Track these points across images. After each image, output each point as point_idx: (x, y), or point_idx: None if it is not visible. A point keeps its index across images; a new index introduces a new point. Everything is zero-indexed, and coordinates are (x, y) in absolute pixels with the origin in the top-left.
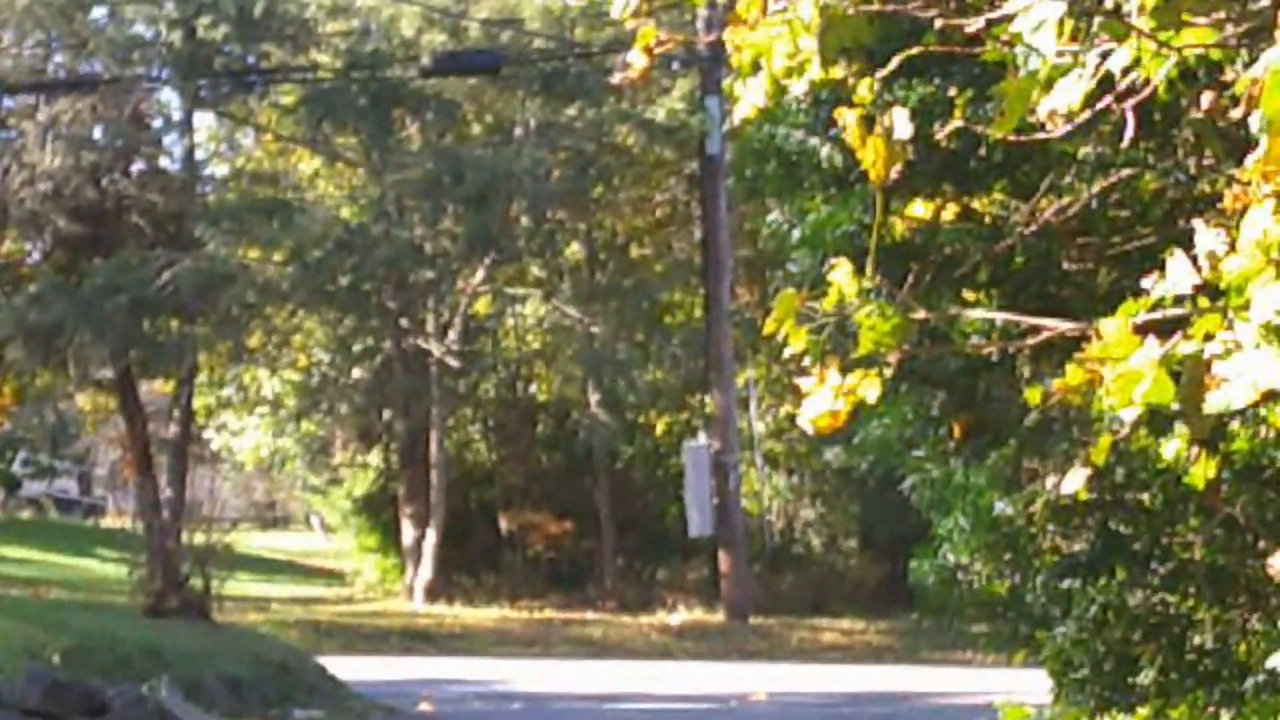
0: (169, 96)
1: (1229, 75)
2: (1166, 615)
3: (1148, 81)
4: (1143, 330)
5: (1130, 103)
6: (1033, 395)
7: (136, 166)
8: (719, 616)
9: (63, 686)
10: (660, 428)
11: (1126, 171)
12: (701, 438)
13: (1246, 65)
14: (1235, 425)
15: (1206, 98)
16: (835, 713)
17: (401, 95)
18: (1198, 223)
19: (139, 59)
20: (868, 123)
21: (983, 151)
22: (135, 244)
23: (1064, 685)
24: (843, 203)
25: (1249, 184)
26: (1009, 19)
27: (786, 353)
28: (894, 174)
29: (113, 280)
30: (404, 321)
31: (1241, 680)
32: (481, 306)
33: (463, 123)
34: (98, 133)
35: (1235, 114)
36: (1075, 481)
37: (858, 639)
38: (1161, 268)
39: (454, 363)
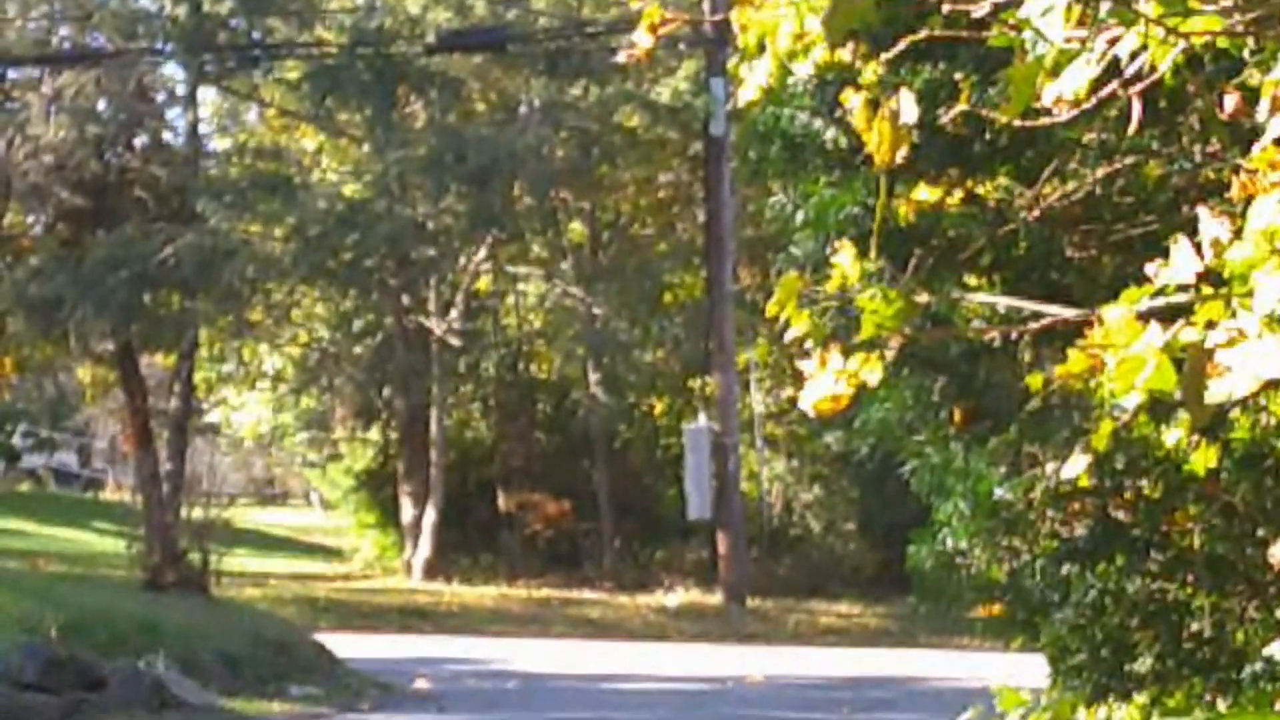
0: (173, 70)
1: (1247, 74)
2: (1164, 602)
3: (1154, 68)
4: (1145, 317)
5: (1136, 89)
6: (1034, 381)
7: (140, 140)
8: (716, 598)
9: (59, 661)
10: (660, 409)
11: (1131, 158)
12: (701, 419)
13: (1254, 53)
14: (1236, 413)
15: (1231, 100)
16: (832, 696)
17: (406, 72)
18: (1202, 210)
19: (143, 32)
20: (873, 105)
21: (988, 136)
22: (138, 218)
23: (1061, 671)
24: (847, 185)
25: (1256, 172)
26: (1016, 3)
27: (788, 335)
28: (899, 157)
29: (115, 254)
30: (405, 299)
31: (1239, 668)
32: (483, 285)
33: (467, 100)
34: (101, 106)
35: (1261, 116)
36: (1076, 467)
37: (855, 622)
38: (1165, 255)
39: (455, 341)
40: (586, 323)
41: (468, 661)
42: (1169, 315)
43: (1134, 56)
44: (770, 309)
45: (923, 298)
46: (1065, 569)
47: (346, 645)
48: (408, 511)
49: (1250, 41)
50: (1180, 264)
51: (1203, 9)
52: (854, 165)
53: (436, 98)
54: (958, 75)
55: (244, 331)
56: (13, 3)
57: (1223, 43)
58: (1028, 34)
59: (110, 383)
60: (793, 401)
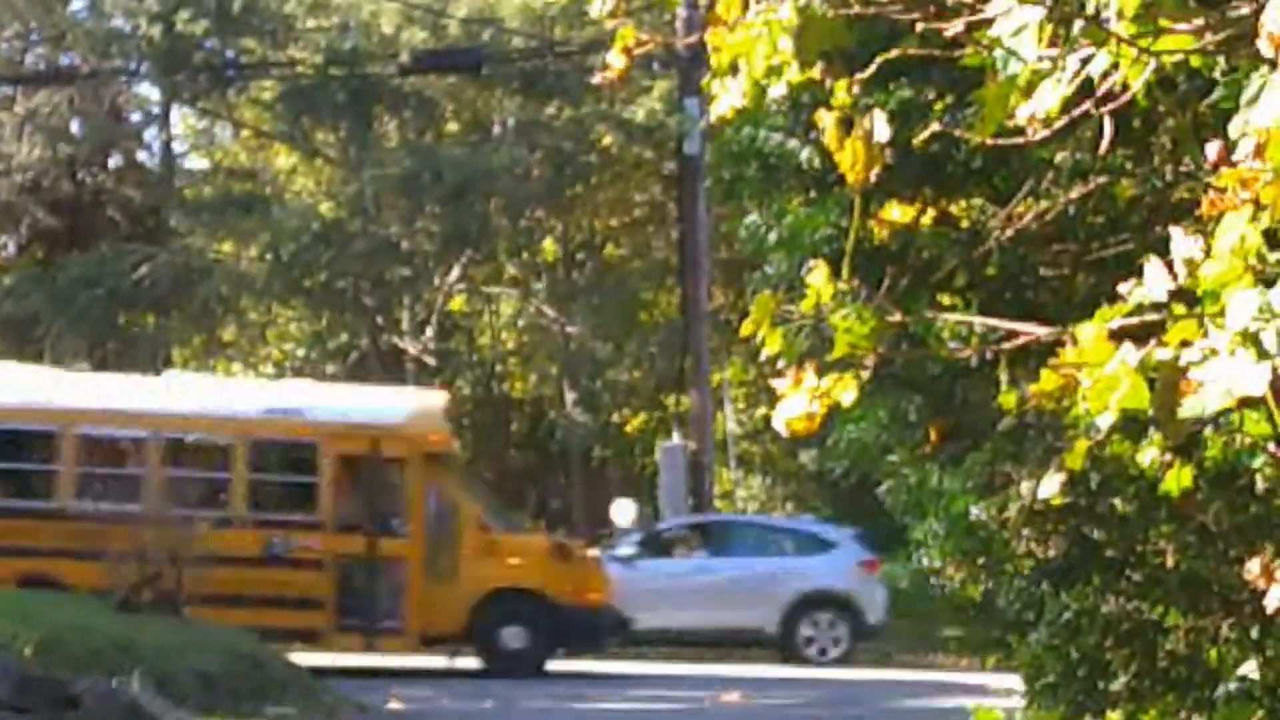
0: (147, 90)
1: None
2: (1139, 622)
3: (1126, 87)
4: (1119, 336)
5: (1108, 108)
6: (1008, 400)
7: (114, 160)
8: None
9: (33, 680)
10: (634, 427)
11: (1104, 178)
12: (676, 438)
13: (1226, 73)
14: (1209, 432)
15: (1214, 149)
16: (807, 713)
17: (380, 92)
18: (1174, 229)
19: (117, 52)
20: (846, 125)
21: (961, 156)
22: (111, 237)
23: (1036, 690)
24: (821, 205)
25: (1225, 190)
26: (989, 23)
27: (763, 354)
28: (872, 177)
29: (89, 273)
30: (380, 318)
31: (1213, 687)
32: (457, 304)
33: (441, 120)
34: (75, 125)
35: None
36: (1050, 487)
37: None
38: (1138, 274)
39: (429, 360)
40: (561, 341)
41: (442, 680)
42: (1142, 334)
43: (1106, 76)
44: (745, 328)
45: (897, 317)
46: (1040, 588)
47: (321, 664)
48: None
49: (1222, 61)
50: (1153, 283)
51: (1174, 28)
52: (828, 185)
53: (411, 117)
54: (931, 95)
55: (218, 350)
56: None
57: (1195, 62)
58: (1000, 53)
59: None
60: (767, 420)
